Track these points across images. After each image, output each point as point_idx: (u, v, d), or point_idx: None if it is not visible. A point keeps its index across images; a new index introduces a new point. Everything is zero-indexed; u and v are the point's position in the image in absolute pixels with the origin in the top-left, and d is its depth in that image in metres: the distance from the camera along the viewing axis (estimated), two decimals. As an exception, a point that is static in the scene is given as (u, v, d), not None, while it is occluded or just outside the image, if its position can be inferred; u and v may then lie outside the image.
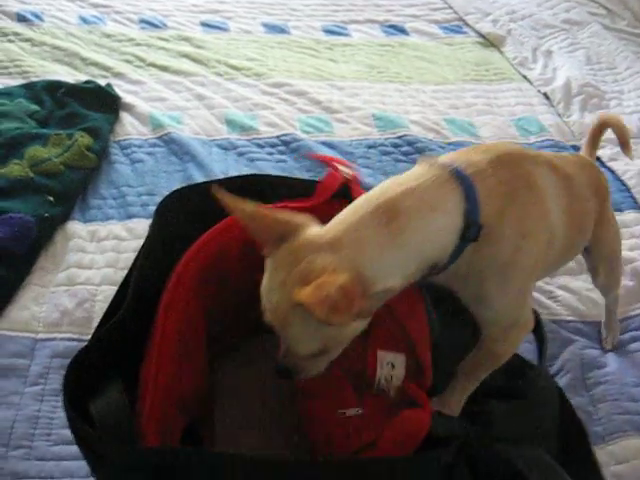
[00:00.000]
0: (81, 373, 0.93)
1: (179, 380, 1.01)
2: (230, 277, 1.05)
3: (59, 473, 1.21)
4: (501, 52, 2.58)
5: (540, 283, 1.56)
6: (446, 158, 0.99)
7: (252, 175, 1.37)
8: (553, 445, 1.11)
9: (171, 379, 0.98)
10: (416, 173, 0.95)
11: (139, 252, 1.11)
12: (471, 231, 0.93)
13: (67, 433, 1.25)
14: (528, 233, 0.98)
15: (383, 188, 0.93)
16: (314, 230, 0.90)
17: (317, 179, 1.21)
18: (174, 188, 1.74)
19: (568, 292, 1.57)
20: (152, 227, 1.13)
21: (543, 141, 2.07)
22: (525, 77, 2.43)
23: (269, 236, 0.90)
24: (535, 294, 1.54)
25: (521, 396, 1.13)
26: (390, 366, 1.09)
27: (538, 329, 1.22)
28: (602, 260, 1.36)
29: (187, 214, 1.14)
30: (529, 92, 2.34)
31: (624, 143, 1.38)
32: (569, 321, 1.51)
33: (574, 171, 1.16)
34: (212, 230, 1.09)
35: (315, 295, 0.79)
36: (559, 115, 2.21)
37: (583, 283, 1.59)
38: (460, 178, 0.94)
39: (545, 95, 2.31)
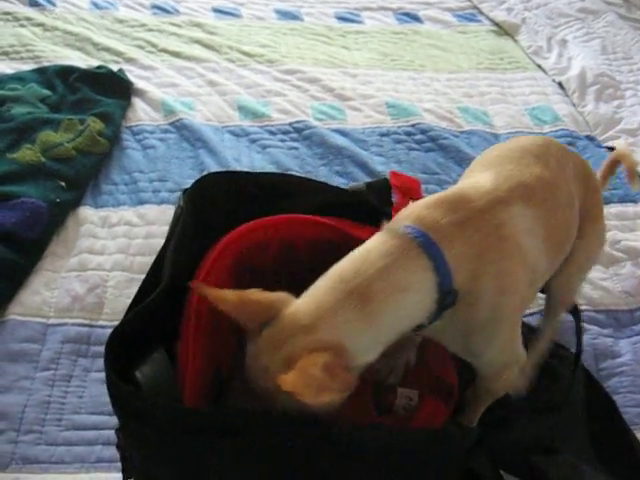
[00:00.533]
0: (121, 346, 0.94)
1: (214, 359, 1.02)
2: (263, 272, 1.05)
3: (70, 458, 1.21)
4: (515, 41, 2.55)
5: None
6: (412, 218, 0.95)
7: (284, 175, 1.33)
8: (582, 430, 1.13)
9: (207, 356, 0.99)
10: (384, 249, 0.92)
11: (171, 233, 1.11)
12: (447, 299, 0.92)
13: (78, 418, 1.27)
14: (506, 288, 0.97)
15: (355, 267, 0.91)
16: (292, 311, 0.89)
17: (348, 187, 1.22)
18: (186, 174, 1.79)
19: (586, 281, 1.55)
20: (185, 209, 1.12)
21: (557, 131, 2.05)
22: (539, 66, 2.40)
23: (254, 321, 0.90)
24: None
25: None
26: (408, 399, 1.16)
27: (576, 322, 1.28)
28: (577, 260, 1.24)
29: (221, 200, 1.14)
30: (543, 81, 2.31)
31: (631, 177, 1.40)
32: (582, 310, 1.49)
33: (557, 172, 1.11)
34: (258, 221, 1.09)
35: (300, 380, 0.80)
36: (574, 105, 2.19)
37: (596, 272, 1.57)
38: (428, 247, 0.91)
39: (560, 84, 2.29)
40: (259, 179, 1.23)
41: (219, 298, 0.89)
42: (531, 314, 1.44)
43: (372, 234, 1.06)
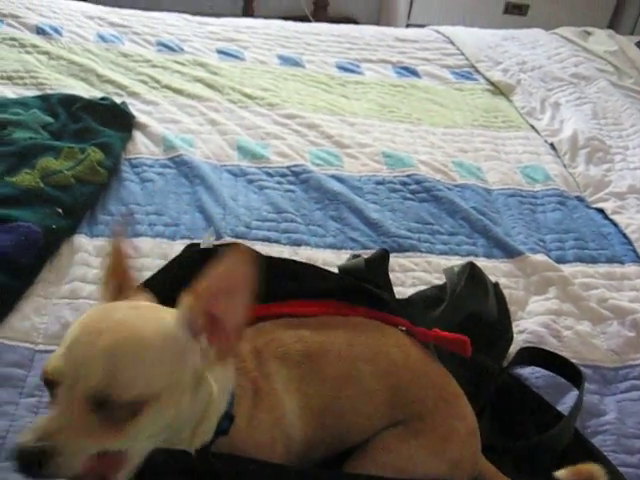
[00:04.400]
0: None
1: None
2: None
3: None
4: (510, 101, 2.61)
5: (547, 320, 1.59)
6: None
7: (294, 261, 1.37)
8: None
9: None
10: None
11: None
12: (223, 424, 0.95)
13: None
14: (260, 442, 0.99)
15: None
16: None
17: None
18: (182, 210, 1.80)
19: (573, 333, 1.57)
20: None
21: (548, 190, 2.09)
22: (532, 127, 2.45)
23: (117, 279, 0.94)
24: (541, 329, 1.56)
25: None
26: None
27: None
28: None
29: None
30: (536, 141, 2.36)
31: None
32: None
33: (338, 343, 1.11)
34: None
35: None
36: (565, 166, 2.23)
37: (585, 328, 1.60)
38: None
39: (552, 145, 2.34)
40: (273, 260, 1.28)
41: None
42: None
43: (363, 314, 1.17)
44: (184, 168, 1.95)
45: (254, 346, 1.04)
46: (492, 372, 1.35)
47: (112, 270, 0.96)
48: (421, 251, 1.78)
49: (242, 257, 0.83)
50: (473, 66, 2.82)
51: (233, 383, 0.97)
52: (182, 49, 2.62)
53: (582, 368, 1.48)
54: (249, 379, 0.99)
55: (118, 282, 0.95)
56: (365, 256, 1.36)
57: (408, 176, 2.05)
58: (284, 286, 1.17)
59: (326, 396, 1.06)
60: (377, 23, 4.13)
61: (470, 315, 1.36)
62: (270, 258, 1.27)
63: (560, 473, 1.17)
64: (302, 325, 1.11)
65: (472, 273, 1.38)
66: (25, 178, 1.74)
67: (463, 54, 2.89)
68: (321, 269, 1.25)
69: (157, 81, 2.37)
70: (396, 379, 1.11)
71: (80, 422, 0.76)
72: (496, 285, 1.49)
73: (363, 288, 1.20)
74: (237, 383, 0.98)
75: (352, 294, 1.19)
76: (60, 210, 1.69)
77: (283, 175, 2.00)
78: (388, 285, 1.33)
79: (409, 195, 1.99)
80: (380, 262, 1.30)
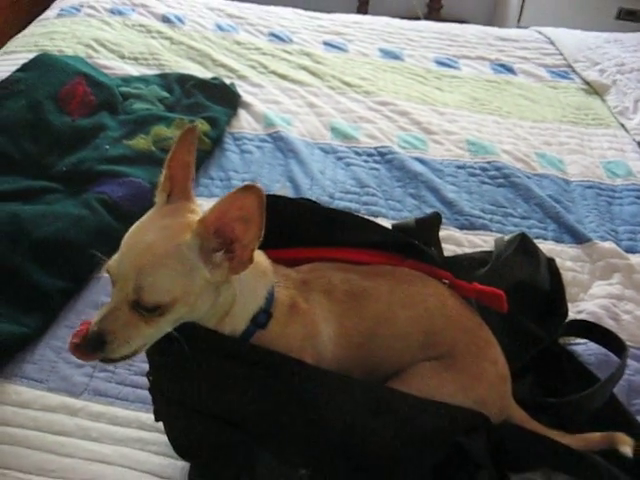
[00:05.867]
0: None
1: None
2: None
3: (134, 398, 1.36)
4: (603, 100, 2.64)
5: (607, 303, 1.64)
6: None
7: (344, 211, 1.49)
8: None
9: None
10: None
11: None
12: (260, 317, 1.10)
13: (146, 366, 1.43)
14: (293, 349, 1.10)
15: None
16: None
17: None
18: (274, 178, 1.98)
19: (632, 318, 1.62)
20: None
21: (628, 185, 2.13)
22: (622, 125, 2.48)
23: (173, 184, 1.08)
24: (600, 311, 1.61)
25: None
26: None
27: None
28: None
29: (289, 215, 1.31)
30: (624, 139, 2.39)
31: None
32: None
33: (383, 289, 1.21)
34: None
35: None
36: (650, 163, 2.26)
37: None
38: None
39: (639, 144, 2.37)
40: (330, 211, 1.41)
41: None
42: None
43: (410, 265, 1.27)
44: (280, 143, 2.14)
45: (303, 277, 1.18)
46: (535, 336, 1.42)
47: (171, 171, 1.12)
48: (492, 230, 1.88)
49: (253, 191, 0.94)
50: (570, 66, 2.86)
51: (271, 286, 1.12)
52: (291, 40, 2.82)
53: (636, 352, 1.54)
54: (288, 295, 1.13)
55: (172, 186, 1.09)
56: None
57: (489, 162, 2.15)
58: (341, 235, 1.29)
59: (363, 332, 1.17)
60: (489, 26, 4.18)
61: (521, 284, 1.42)
62: (328, 209, 1.40)
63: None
64: (351, 270, 1.22)
65: (522, 243, 1.46)
66: (140, 142, 1.98)
67: (562, 54, 2.93)
68: (374, 223, 1.36)
69: (265, 67, 2.58)
70: (430, 324, 1.21)
71: (126, 316, 0.98)
72: (551, 260, 1.56)
73: (410, 243, 1.30)
74: (277, 293, 1.12)
75: (400, 247, 1.30)
76: (167, 171, 1.90)
77: (370, 155, 2.15)
78: (437, 244, 1.43)
79: (487, 180, 2.09)
80: (431, 223, 1.40)
